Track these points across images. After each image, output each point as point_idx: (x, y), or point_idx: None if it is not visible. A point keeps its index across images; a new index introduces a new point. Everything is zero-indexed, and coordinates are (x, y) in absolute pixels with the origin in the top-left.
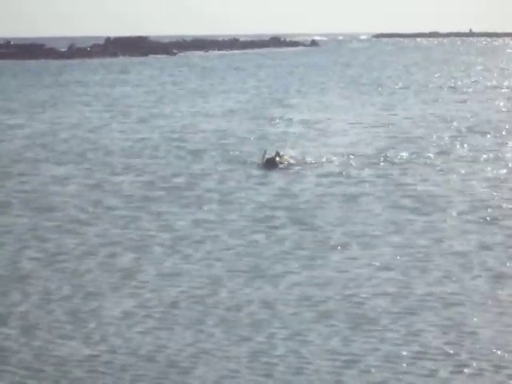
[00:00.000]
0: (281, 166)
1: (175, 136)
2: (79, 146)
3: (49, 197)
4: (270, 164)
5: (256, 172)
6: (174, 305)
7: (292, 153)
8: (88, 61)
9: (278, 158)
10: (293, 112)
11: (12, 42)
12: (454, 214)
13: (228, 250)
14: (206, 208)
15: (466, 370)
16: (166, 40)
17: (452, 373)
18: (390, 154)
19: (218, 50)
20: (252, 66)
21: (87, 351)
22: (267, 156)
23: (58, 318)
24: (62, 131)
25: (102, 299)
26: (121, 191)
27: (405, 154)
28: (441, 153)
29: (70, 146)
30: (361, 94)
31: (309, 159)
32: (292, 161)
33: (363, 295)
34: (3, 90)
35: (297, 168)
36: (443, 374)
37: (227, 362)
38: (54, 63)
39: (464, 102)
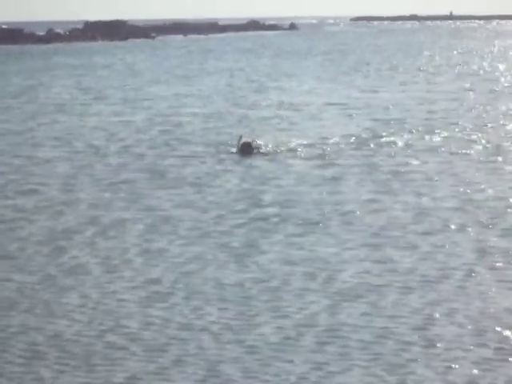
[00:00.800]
0: (256, 150)
1: (154, 119)
2: (60, 130)
3: (29, 178)
4: (246, 149)
5: (230, 156)
6: (157, 282)
7: (269, 137)
8: (67, 45)
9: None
10: (272, 95)
11: None
12: (437, 193)
13: (199, 230)
14: (176, 191)
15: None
16: (145, 24)
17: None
18: (370, 135)
19: (198, 33)
20: (231, 49)
21: (72, 329)
22: (243, 141)
23: (41, 296)
24: (43, 115)
25: (84, 277)
26: (96, 174)
27: (385, 136)
28: (421, 134)
29: (52, 129)
30: (341, 76)
31: (287, 144)
32: (269, 146)
33: (345, 272)
34: None
35: (273, 153)
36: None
37: (215, 336)
38: (33, 48)
39: (441, 84)
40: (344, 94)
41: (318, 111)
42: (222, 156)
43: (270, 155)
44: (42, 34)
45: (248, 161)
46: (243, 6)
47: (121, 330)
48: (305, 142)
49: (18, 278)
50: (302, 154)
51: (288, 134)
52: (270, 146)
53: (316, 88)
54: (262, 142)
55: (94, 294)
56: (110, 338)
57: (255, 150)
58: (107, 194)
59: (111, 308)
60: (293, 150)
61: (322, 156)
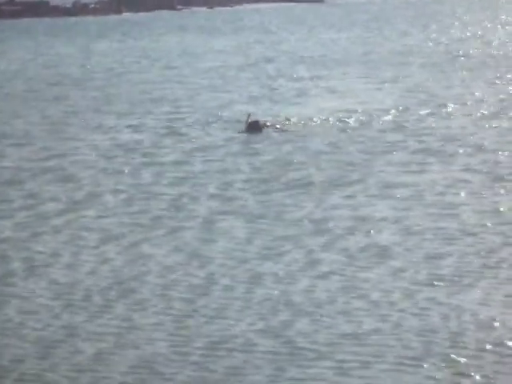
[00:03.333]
0: (265, 129)
1: (159, 93)
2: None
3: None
4: (254, 128)
5: (237, 135)
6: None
7: (283, 114)
8: (93, 18)
9: (280, 124)
10: (296, 70)
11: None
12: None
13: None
14: (178, 170)
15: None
16: None
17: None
18: (393, 114)
19: (223, 6)
20: (257, 22)
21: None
22: (251, 119)
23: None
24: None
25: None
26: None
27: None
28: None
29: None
30: (370, 52)
31: (301, 121)
32: (279, 125)
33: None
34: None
35: (284, 132)
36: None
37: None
38: (59, 21)
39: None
40: (375, 69)
41: (341, 86)
42: (229, 134)
43: (281, 134)
44: (68, 6)
45: (255, 139)
46: None
47: None
48: (320, 120)
49: None
50: (313, 133)
51: (306, 109)
52: (281, 125)
53: (343, 61)
54: (272, 119)
55: None
56: None
57: (265, 129)
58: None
59: None
60: (306, 129)
61: (335, 136)
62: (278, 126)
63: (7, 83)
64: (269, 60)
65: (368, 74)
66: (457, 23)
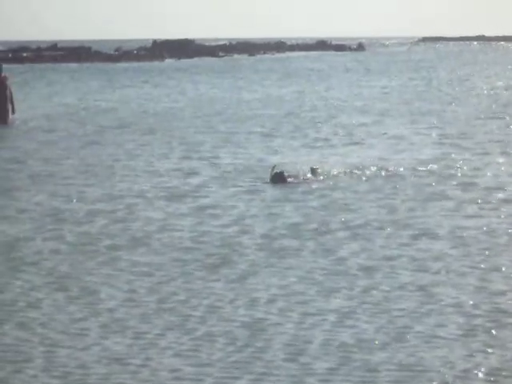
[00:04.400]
0: (290, 180)
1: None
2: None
3: None
4: (278, 179)
5: (260, 184)
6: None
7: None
8: (135, 64)
9: (309, 174)
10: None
11: (58, 45)
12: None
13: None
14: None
15: None
16: (212, 43)
17: None
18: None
19: (264, 53)
20: (303, 70)
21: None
22: (275, 171)
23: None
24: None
25: None
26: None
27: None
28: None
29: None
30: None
31: (327, 171)
32: (306, 175)
33: None
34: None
35: (309, 182)
36: None
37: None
38: (102, 66)
39: None
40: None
41: (383, 135)
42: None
43: (305, 185)
44: (110, 52)
45: (280, 191)
46: (311, 26)
47: None
48: (356, 171)
49: None
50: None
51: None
52: (307, 175)
53: (390, 110)
54: (299, 170)
55: None
56: None
57: (290, 180)
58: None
59: None
60: (333, 178)
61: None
62: (305, 177)
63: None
64: (314, 108)
65: (413, 121)
66: (500, 71)
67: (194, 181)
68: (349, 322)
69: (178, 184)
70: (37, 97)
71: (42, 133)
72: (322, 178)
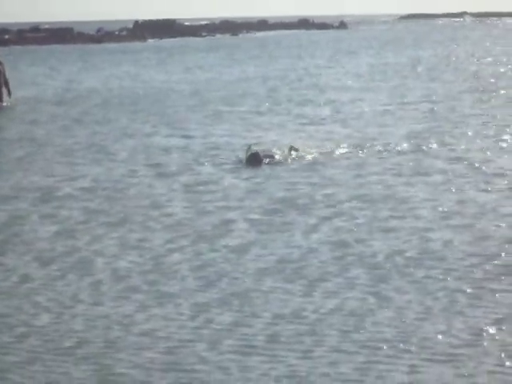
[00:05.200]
0: (266, 160)
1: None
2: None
3: None
4: (254, 160)
5: (235, 167)
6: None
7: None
8: (117, 44)
9: (293, 152)
10: (319, 95)
11: (41, 27)
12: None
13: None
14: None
15: None
16: (194, 23)
17: None
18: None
19: (247, 32)
20: (284, 48)
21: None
22: (251, 151)
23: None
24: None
25: None
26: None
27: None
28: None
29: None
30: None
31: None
32: (282, 155)
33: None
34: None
35: (288, 163)
36: None
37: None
38: (84, 47)
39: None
40: (403, 95)
41: (368, 111)
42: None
43: (282, 165)
44: (92, 33)
45: (255, 172)
46: (292, 4)
47: None
48: (334, 148)
49: None
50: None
51: (325, 136)
52: (286, 153)
53: (371, 87)
54: (277, 150)
55: None
56: None
57: (265, 161)
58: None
59: None
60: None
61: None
62: (283, 157)
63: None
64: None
65: (399, 96)
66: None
67: (174, 159)
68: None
69: (162, 161)
70: (25, 79)
71: (33, 115)
72: (299, 156)
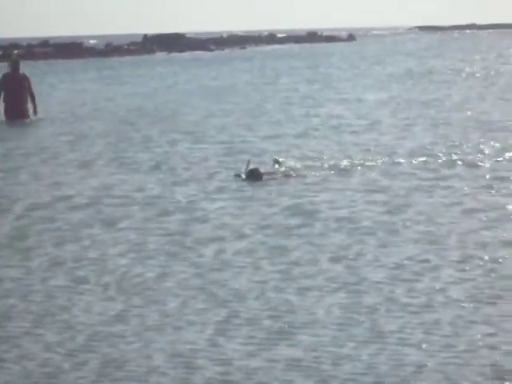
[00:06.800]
0: (266, 177)
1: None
2: None
3: None
4: (253, 176)
5: (234, 184)
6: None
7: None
8: (126, 58)
9: (277, 166)
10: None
11: (50, 42)
12: None
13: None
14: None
15: None
16: (203, 37)
17: None
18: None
19: (256, 45)
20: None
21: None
22: (250, 167)
23: None
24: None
25: None
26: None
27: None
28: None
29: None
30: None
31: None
32: (290, 171)
33: None
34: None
35: (289, 180)
36: None
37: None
38: (94, 61)
39: None
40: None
41: (370, 123)
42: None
43: (284, 183)
44: (101, 48)
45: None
46: (300, 17)
47: None
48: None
49: None
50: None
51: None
52: (293, 171)
53: (371, 99)
54: (288, 164)
55: None
56: None
57: (265, 177)
58: None
59: None
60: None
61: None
62: (289, 173)
63: None
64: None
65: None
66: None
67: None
68: None
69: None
70: (46, 93)
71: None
72: (293, 170)
